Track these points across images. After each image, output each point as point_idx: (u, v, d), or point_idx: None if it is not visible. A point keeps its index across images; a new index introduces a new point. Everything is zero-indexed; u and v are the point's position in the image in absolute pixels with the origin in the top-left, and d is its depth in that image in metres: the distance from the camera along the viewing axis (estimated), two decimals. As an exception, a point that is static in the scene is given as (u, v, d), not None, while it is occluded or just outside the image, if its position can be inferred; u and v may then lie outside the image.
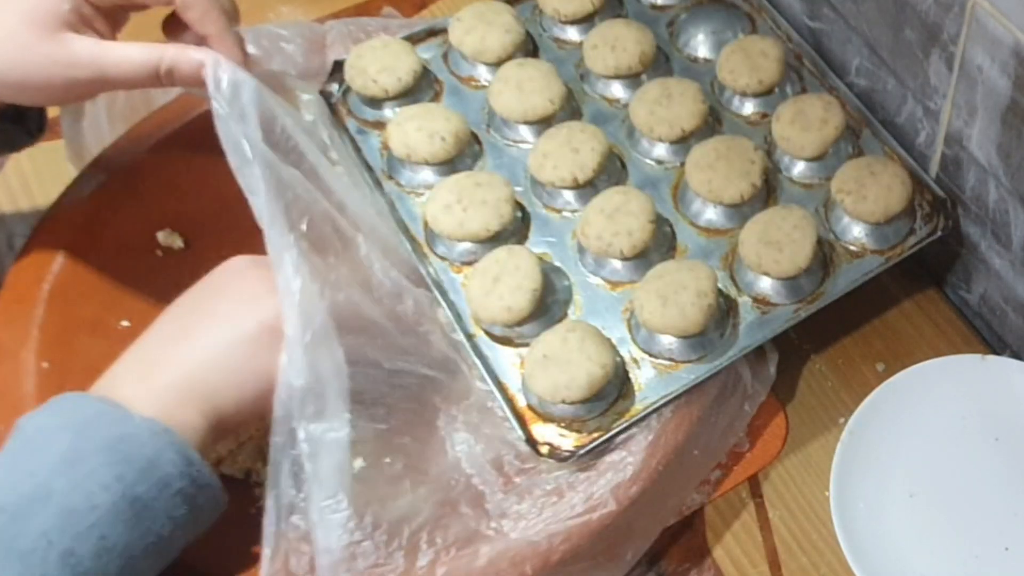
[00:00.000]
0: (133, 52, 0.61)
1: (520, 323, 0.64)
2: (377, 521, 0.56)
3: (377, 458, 0.60)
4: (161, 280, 0.65)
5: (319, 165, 0.65)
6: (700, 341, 0.64)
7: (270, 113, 0.62)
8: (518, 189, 0.71)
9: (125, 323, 0.69)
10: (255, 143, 0.58)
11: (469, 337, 0.66)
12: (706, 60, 0.79)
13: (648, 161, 0.74)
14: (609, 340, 0.64)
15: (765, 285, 0.67)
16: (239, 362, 0.55)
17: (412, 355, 0.63)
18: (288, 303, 0.56)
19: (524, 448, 0.61)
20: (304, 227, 0.60)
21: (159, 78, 0.61)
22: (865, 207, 0.68)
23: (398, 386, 0.62)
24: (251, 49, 0.68)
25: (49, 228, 0.70)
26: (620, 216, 0.66)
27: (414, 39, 0.79)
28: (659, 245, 0.68)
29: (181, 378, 0.54)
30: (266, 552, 0.54)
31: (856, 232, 0.69)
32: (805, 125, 0.71)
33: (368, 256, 0.63)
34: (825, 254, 0.69)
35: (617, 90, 0.77)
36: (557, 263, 0.69)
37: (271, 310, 0.56)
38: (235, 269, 0.59)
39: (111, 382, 0.54)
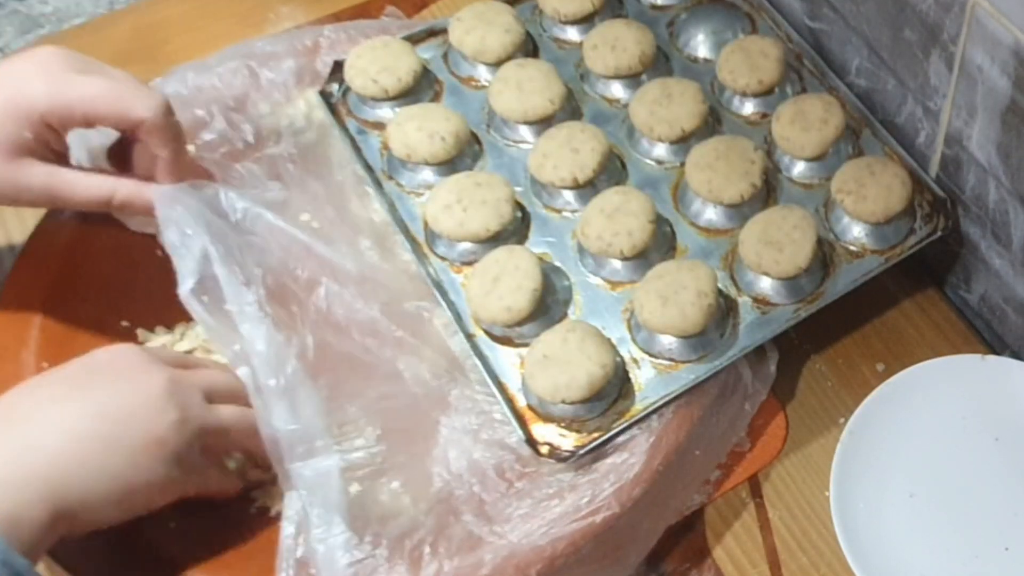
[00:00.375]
0: (87, 182, 0.64)
1: (520, 323, 0.64)
2: (377, 540, 0.57)
3: (374, 480, 0.61)
4: (161, 280, 0.64)
5: (278, 223, 0.67)
6: (700, 341, 0.64)
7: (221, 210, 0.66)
8: (518, 189, 0.71)
9: (125, 323, 0.69)
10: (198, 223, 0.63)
11: (469, 337, 0.66)
12: (706, 60, 0.79)
13: (648, 161, 0.74)
14: (609, 340, 0.64)
15: (765, 285, 0.67)
16: (98, 456, 0.53)
17: (398, 378, 0.65)
18: (256, 358, 0.59)
19: (524, 451, 0.61)
20: (261, 286, 0.63)
21: (110, 207, 0.65)
22: (865, 207, 0.68)
23: (388, 409, 0.64)
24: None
25: (49, 228, 0.70)
26: (620, 216, 0.66)
27: (414, 39, 0.79)
28: (659, 245, 0.68)
29: (24, 464, 0.51)
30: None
31: (856, 232, 0.69)
32: (805, 125, 0.71)
33: (333, 296, 0.66)
34: (825, 254, 0.69)
35: (617, 90, 0.77)
36: (557, 263, 0.69)
37: (167, 415, 0.54)
38: (115, 352, 0.57)
39: None
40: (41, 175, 0.62)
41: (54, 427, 0.52)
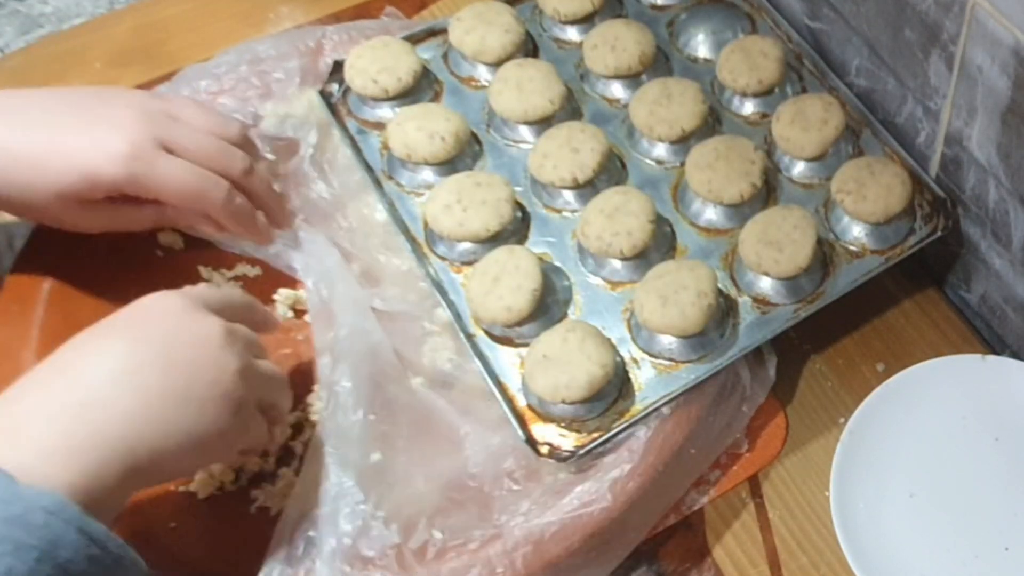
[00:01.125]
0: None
1: (520, 323, 0.64)
2: (380, 502, 0.59)
3: (393, 456, 0.62)
4: (161, 280, 0.65)
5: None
6: (700, 341, 0.64)
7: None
8: (518, 189, 0.71)
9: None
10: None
11: (469, 337, 0.66)
12: (706, 60, 0.79)
13: (648, 161, 0.74)
14: (609, 340, 0.64)
15: (765, 285, 0.67)
16: (169, 410, 0.52)
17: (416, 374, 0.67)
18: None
19: (525, 448, 0.61)
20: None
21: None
22: (865, 207, 0.68)
23: (411, 404, 0.65)
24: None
25: (49, 228, 0.70)
26: (620, 216, 0.66)
27: (414, 39, 0.79)
28: (659, 245, 0.68)
29: (92, 423, 0.49)
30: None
31: (856, 232, 0.69)
32: (805, 125, 0.71)
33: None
34: (825, 254, 0.69)
35: (617, 90, 0.77)
36: (557, 263, 0.69)
37: (228, 365, 0.54)
38: (160, 301, 0.56)
39: (11, 425, 0.49)
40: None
41: (118, 382, 0.51)
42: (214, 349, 0.54)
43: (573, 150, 0.70)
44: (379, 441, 0.62)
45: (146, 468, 0.51)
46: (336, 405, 0.62)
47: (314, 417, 0.67)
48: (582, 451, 0.61)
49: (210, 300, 0.58)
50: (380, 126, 0.75)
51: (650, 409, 0.62)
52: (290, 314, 0.71)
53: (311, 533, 0.58)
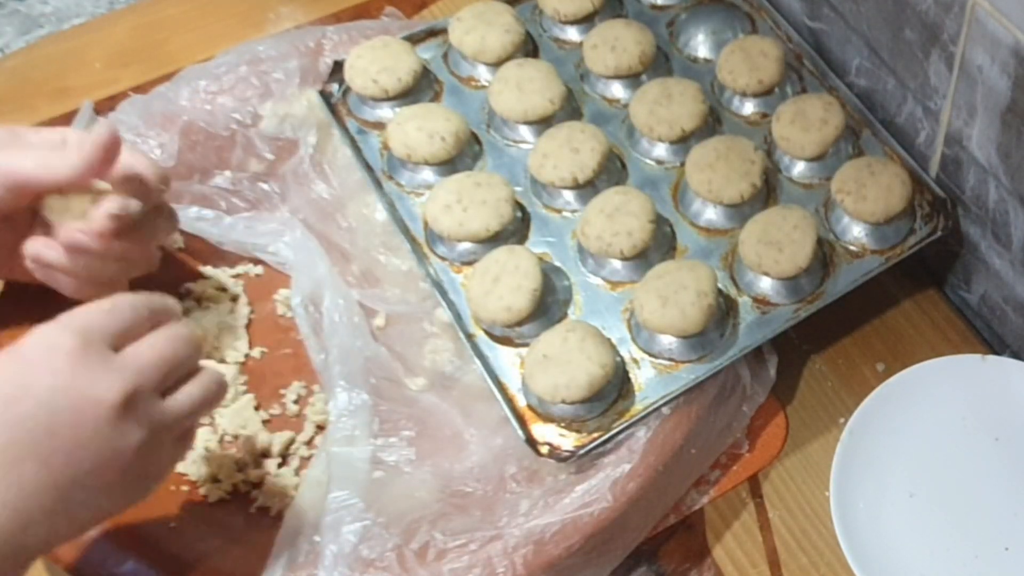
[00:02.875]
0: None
1: (520, 323, 0.64)
2: (381, 513, 0.59)
3: (397, 473, 0.62)
4: (161, 280, 0.65)
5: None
6: (700, 341, 0.64)
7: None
8: (518, 189, 0.71)
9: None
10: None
11: (469, 337, 0.66)
12: (706, 60, 0.79)
13: (648, 161, 0.73)
14: (609, 340, 0.64)
15: (765, 285, 0.67)
16: (62, 502, 0.48)
17: (420, 375, 0.67)
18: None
19: (526, 451, 0.61)
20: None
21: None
22: (865, 207, 0.68)
23: (412, 415, 0.65)
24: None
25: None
26: (620, 216, 0.66)
27: (414, 39, 0.79)
28: (659, 245, 0.68)
29: None
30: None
31: (856, 232, 0.69)
32: (805, 125, 0.71)
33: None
34: (825, 254, 0.69)
35: (617, 90, 0.77)
36: (557, 263, 0.69)
37: (124, 442, 0.48)
38: (55, 363, 0.48)
39: None
40: None
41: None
42: (103, 426, 0.48)
43: (573, 150, 0.70)
44: (381, 453, 0.62)
45: (43, 546, 0.48)
46: (337, 429, 0.62)
47: (315, 418, 0.67)
48: (582, 451, 0.61)
49: (108, 328, 0.51)
50: (380, 126, 0.75)
51: (650, 409, 0.62)
52: (290, 314, 0.71)
53: (316, 538, 0.58)
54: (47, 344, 0.49)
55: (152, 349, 0.51)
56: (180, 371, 0.53)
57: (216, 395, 0.55)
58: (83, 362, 0.48)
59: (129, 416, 0.49)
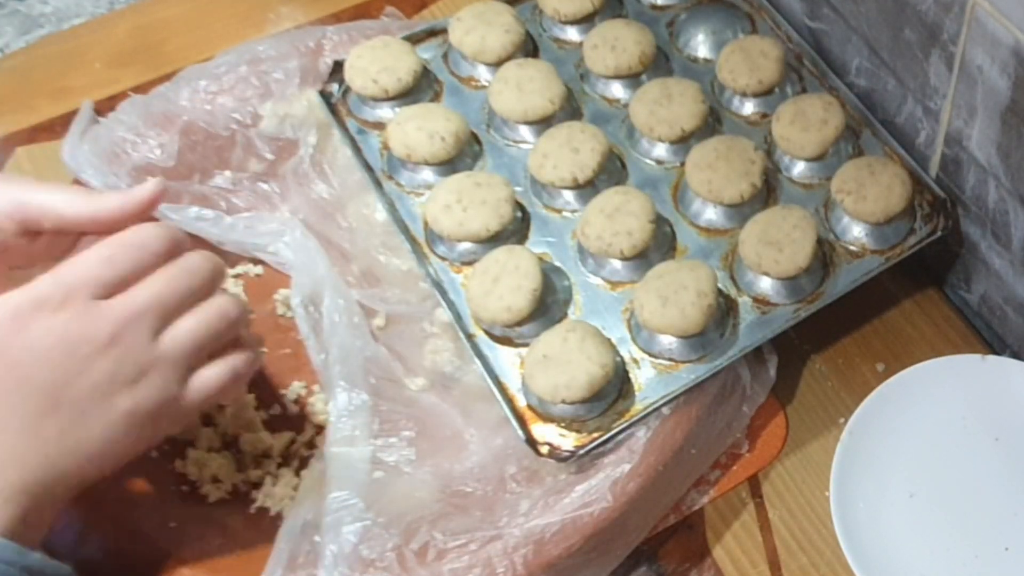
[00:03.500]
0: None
1: (520, 323, 0.64)
2: (380, 513, 0.58)
3: (397, 473, 0.62)
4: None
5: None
6: (700, 341, 0.64)
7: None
8: (518, 189, 0.71)
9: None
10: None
11: (469, 337, 0.66)
12: (706, 60, 0.79)
13: (648, 161, 0.74)
14: (609, 340, 0.64)
15: (765, 285, 0.67)
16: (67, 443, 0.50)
17: (420, 375, 0.67)
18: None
19: (527, 451, 0.61)
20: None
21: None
22: (865, 207, 0.68)
23: (412, 415, 0.65)
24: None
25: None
26: (620, 216, 0.66)
27: (414, 39, 0.79)
28: (659, 245, 0.68)
29: None
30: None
31: (856, 232, 0.69)
32: (805, 125, 0.71)
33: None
34: (825, 254, 0.69)
35: (617, 90, 0.77)
36: (557, 263, 0.69)
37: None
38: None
39: None
40: None
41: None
42: (95, 356, 0.50)
43: (573, 150, 0.70)
44: (381, 454, 0.62)
45: (54, 486, 0.50)
46: (337, 430, 0.61)
47: (315, 419, 0.67)
48: (582, 451, 0.61)
49: (101, 278, 0.51)
50: (380, 126, 0.75)
51: (650, 409, 0.62)
52: (290, 314, 0.71)
53: (316, 538, 0.58)
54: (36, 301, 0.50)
55: (188, 333, 0.53)
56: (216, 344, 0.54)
57: (241, 315, 0.55)
58: (27, 314, 0.49)
59: (119, 343, 0.50)
